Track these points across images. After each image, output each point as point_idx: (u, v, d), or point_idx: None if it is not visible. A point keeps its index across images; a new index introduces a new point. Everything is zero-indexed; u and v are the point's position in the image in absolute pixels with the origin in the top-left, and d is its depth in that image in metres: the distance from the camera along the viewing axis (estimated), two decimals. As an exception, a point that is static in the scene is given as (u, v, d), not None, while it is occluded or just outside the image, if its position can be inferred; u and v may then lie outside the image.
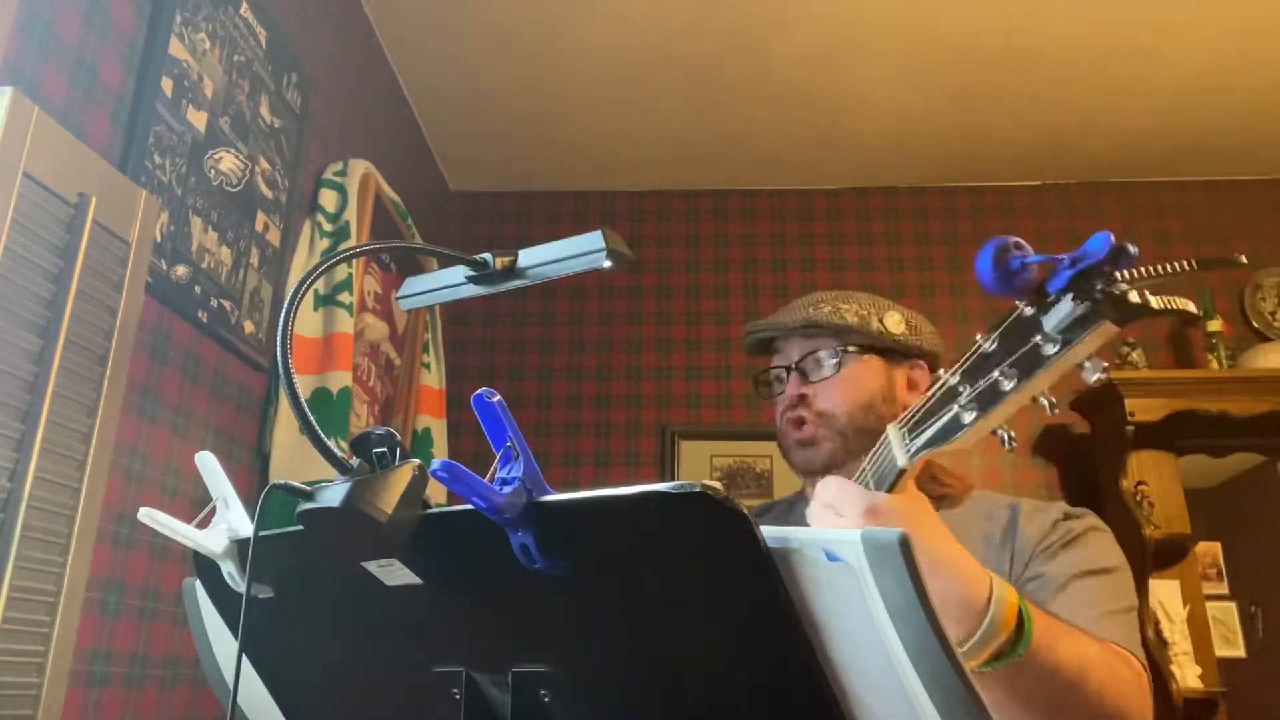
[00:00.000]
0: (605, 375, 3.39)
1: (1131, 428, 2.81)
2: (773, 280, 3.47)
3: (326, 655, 0.75)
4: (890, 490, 0.77)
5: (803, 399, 1.18)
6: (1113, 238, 0.57)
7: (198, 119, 1.73)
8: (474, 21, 2.72)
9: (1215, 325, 3.08)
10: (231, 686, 0.67)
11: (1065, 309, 0.59)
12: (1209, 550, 3.15)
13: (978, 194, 3.49)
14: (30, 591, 1.18)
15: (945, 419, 0.69)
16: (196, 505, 1.68)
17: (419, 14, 2.70)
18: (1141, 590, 2.73)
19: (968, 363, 0.67)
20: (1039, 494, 3.11)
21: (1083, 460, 3.13)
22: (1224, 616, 3.08)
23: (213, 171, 1.78)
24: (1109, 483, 2.93)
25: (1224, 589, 3.14)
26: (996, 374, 0.64)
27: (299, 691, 0.77)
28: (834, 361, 1.17)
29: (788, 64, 2.88)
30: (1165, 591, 2.87)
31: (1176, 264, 0.58)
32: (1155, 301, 0.57)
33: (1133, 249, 0.57)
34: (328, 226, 2.24)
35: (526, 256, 0.79)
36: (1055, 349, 0.60)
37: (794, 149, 3.34)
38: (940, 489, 1.16)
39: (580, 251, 0.77)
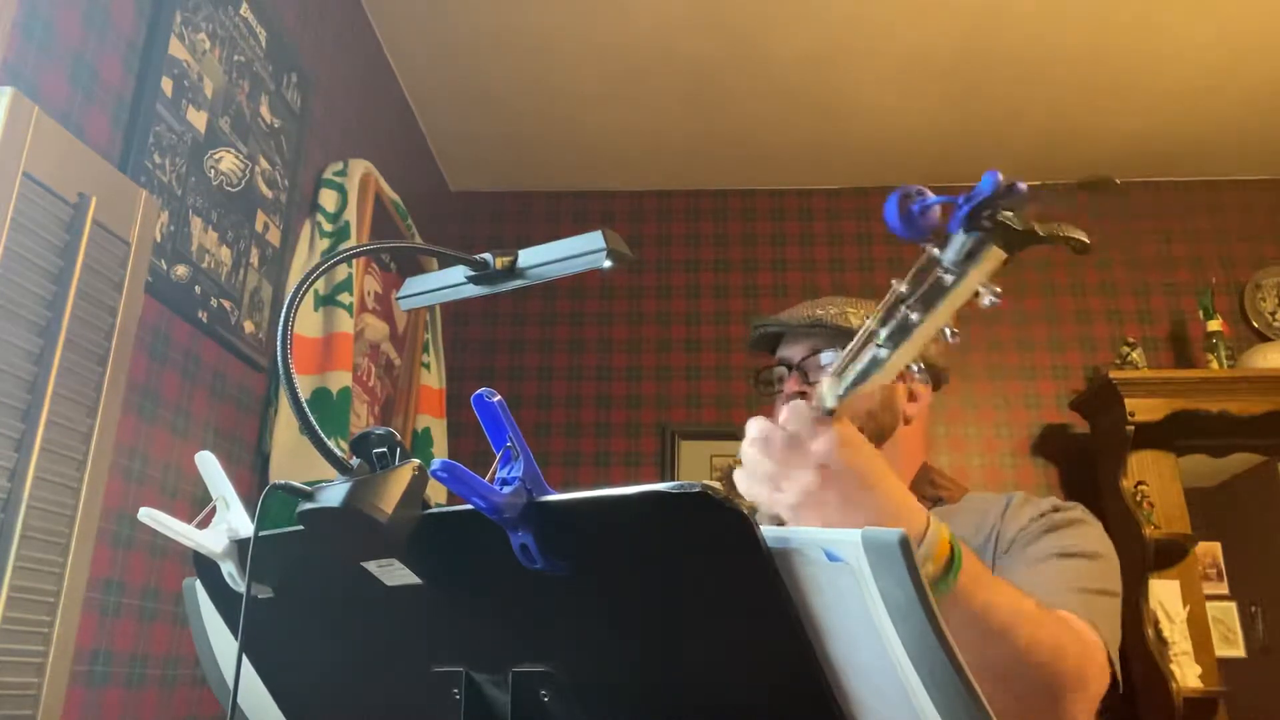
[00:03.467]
0: (605, 375, 3.39)
1: (1131, 428, 2.81)
2: (773, 280, 3.47)
3: (326, 655, 0.75)
4: None
5: (803, 398, 1.19)
6: (1000, 175, 0.63)
7: (198, 119, 1.73)
8: (474, 21, 2.72)
9: (1215, 325, 3.08)
10: (231, 686, 0.67)
11: (959, 242, 0.65)
12: (1209, 550, 3.15)
13: (978, 194, 3.49)
14: (30, 591, 1.18)
15: (866, 359, 0.74)
16: (196, 505, 1.68)
17: (419, 14, 2.70)
18: (1141, 590, 2.73)
19: (884, 307, 0.72)
20: (1039, 494, 3.10)
21: (1083, 460, 3.13)
22: (1224, 616, 3.08)
23: (213, 171, 1.78)
24: (1109, 483, 2.93)
25: (1224, 589, 3.13)
26: (905, 310, 0.69)
27: (299, 691, 0.77)
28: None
29: (787, 64, 2.88)
30: (1165, 591, 2.87)
31: (1056, 188, 0.64)
32: (1040, 229, 0.63)
33: (1021, 185, 0.63)
34: (328, 226, 2.24)
35: (526, 256, 0.80)
36: (951, 279, 0.66)
37: (794, 149, 3.34)
38: (936, 491, 1.18)
39: (580, 251, 0.77)
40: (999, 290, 0.65)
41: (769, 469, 0.80)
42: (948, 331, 0.69)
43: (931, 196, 0.67)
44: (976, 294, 0.66)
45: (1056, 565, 1.00)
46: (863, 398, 1.16)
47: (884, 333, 0.71)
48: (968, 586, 0.76)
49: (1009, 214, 0.63)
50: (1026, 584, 0.96)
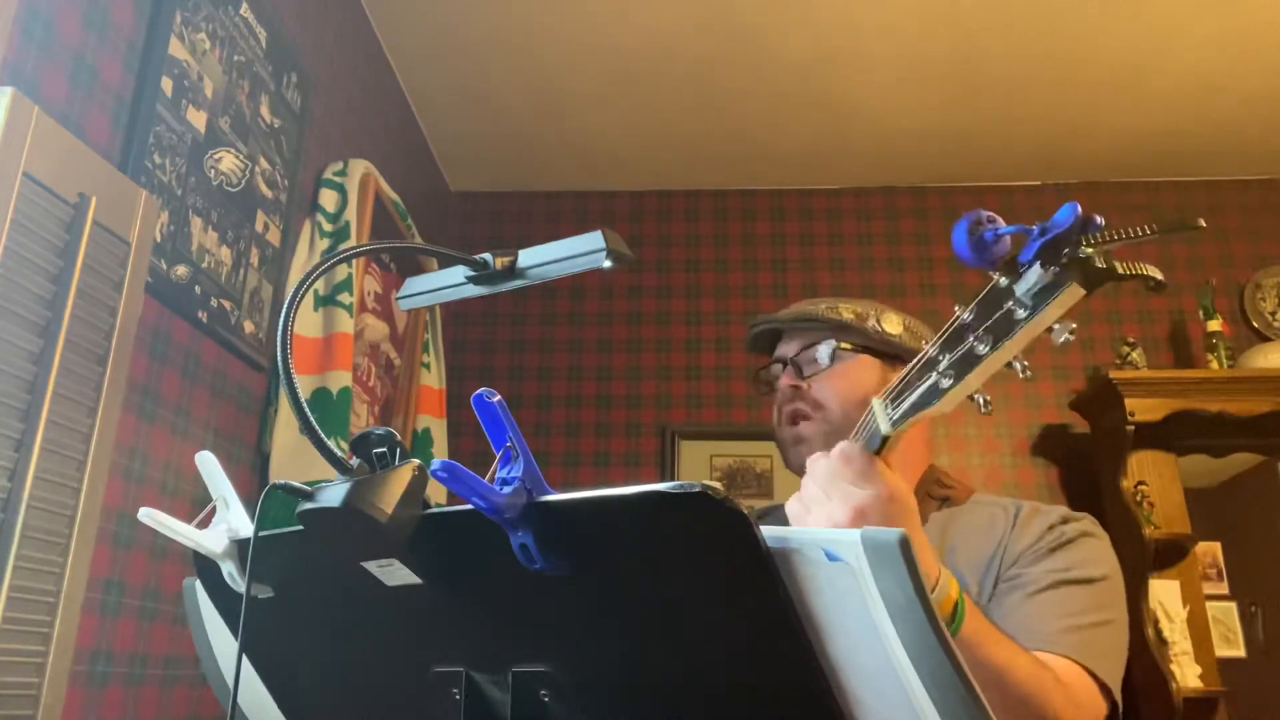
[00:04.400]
0: (605, 375, 3.39)
1: (1131, 428, 2.81)
2: (773, 280, 3.47)
3: (326, 655, 0.75)
4: (876, 454, 0.79)
5: (797, 392, 1.19)
6: (1079, 208, 0.60)
7: (198, 119, 1.73)
8: (474, 21, 2.72)
9: (1215, 325, 3.08)
10: (231, 686, 0.67)
11: (1035, 275, 0.62)
12: (1209, 550, 3.15)
13: (978, 194, 3.49)
14: (30, 591, 1.18)
15: (925, 386, 0.72)
16: (196, 505, 1.68)
17: (419, 14, 2.70)
18: (1141, 590, 2.73)
19: (946, 333, 0.70)
20: (1039, 494, 3.11)
21: (1083, 460, 3.13)
22: (1224, 616, 3.08)
23: (213, 171, 1.78)
24: (1109, 483, 2.93)
25: (1224, 589, 3.14)
26: (972, 340, 0.67)
27: (299, 691, 0.77)
28: (828, 357, 1.18)
29: (788, 64, 2.88)
30: (1165, 591, 2.87)
31: (1139, 229, 0.62)
32: (1120, 266, 0.61)
33: (1099, 219, 0.61)
34: (328, 226, 2.24)
35: (526, 256, 0.79)
36: (1025, 313, 0.63)
37: (794, 149, 3.34)
38: (943, 491, 1.17)
39: (580, 251, 0.77)
40: (1074, 327, 0.63)
41: (811, 493, 0.80)
42: (1018, 365, 0.67)
43: (1004, 225, 0.65)
44: (1050, 330, 0.63)
45: (1057, 596, 0.99)
46: (854, 386, 1.16)
47: (946, 361, 0.69)
48: (966, 641, 0.77)
49: (1090, 250, 0.60)
50: (1027, 617, 0.97)
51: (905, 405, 0.74)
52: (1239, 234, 3.38)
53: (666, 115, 3.15)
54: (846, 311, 1.20)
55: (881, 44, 2.78)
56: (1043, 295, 0.62)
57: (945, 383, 0.70)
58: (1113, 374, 2.87)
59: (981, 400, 0.71)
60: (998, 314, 0.65)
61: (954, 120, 3.14)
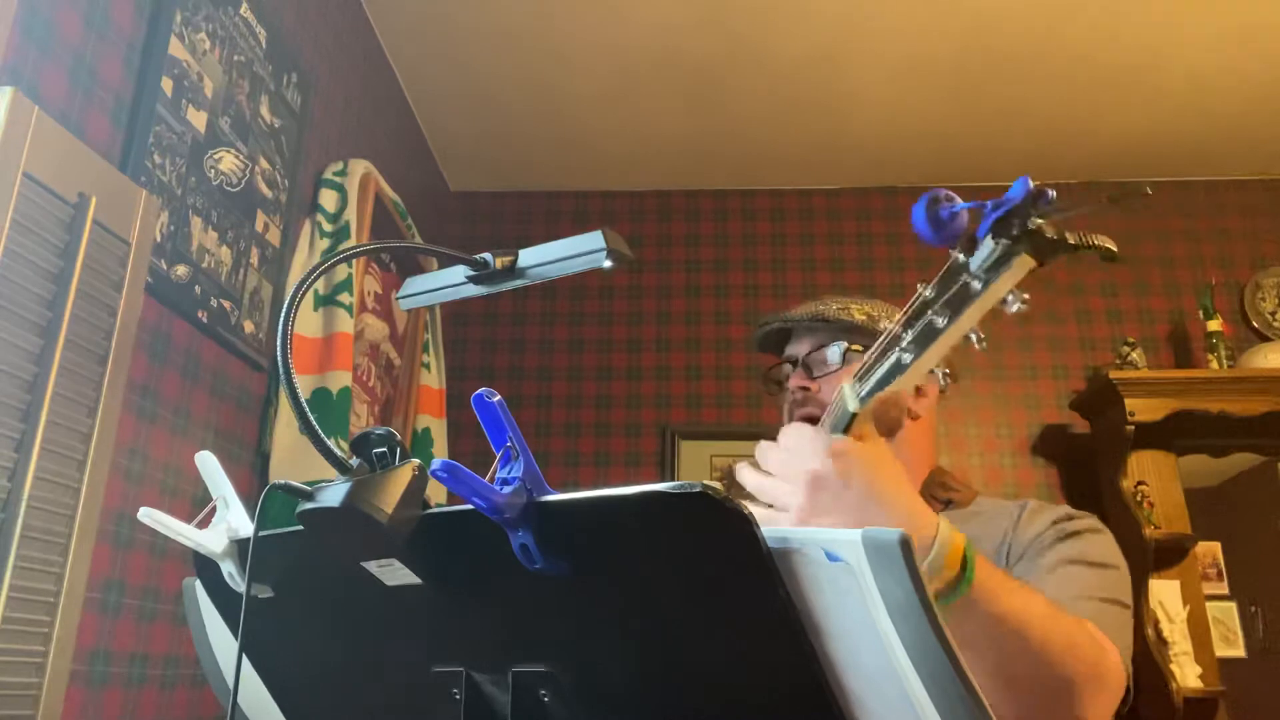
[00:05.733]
0: (605, 375, 3.39)
1: (1131, 428, 2.81)
2: (773, 280, 3.47)
3: (326, 655, 0.75)
4: (845, 431, 0.79)
5: (807, 393, 1.19)
6: (1031, 181, 0.62)
7: (198, 119, 1.73)
8: (474, 21, 2.72)
9: (1215, 325, 3.08)
10: (231, 686, 0.67)
11: (987, 249, 0.65)
12: (1209, 550, 3.15)
13: (977, 194, 3.43)
14: (30, 591, 1.18)
15: (889, 363, 0.73)
16: (196, 505, 1.68)
17: (419, 13, 2.70)
18: (1141, 590, 2.73)
19: (910, 310, 0.71)
20: (1039, 494, 3.11)
21: (1083, 460, 3.13)
22: (1224, 616, 3.08)
23: (213, 171, 1.78)
24: (1109, 483, 2.93)
25: (1224, 589, 3.13)
26: (931, 315, 0.69)
27: (299, 691, 0.77)
28: (839, 358, 1.18)
29: (788, 64, 2.88)
30: (1165, 591, 2.87)
31: (1087, 206, 0.65)
32: (1071, 237, 0.62)
33: (1051, 192, 0.62)
34: (328, 226, 2.24)
35: (526, 256, 0.80)
36: (980, 285, 0.66)
37: (794, 149, 3.34)
38: (947, 494, 1.17)
39: (580, 251, 0.77)
40: (1027, 297, 0.65)
41: (770, 486, 0.80)
42: (974, 337, 0.69)
43: (960, 202, 0.66)
44: (1004, 301, 0.66)
45: (1067, 572, 0.99)
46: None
47: (908, 337, 0.71)
48: (982, 592, 0.76)
49: (1039, 221, 0.62)
50: (1041, 591, 0.96)
51: (871, 382, 0.75)
52: (1239, 234, 3.37)
53: (666, 115, 3.15)
54: (858, 313, 1.20)
55: (881, 44, 2.78)
56: (995, 268, 0.64)
57: (906, 358, 0.71)
58: (1113, 374, 2.87)
59: (942, 375, 0.73)
60: (954, 288, 0.67)
61: (954, 120, 3.14)
